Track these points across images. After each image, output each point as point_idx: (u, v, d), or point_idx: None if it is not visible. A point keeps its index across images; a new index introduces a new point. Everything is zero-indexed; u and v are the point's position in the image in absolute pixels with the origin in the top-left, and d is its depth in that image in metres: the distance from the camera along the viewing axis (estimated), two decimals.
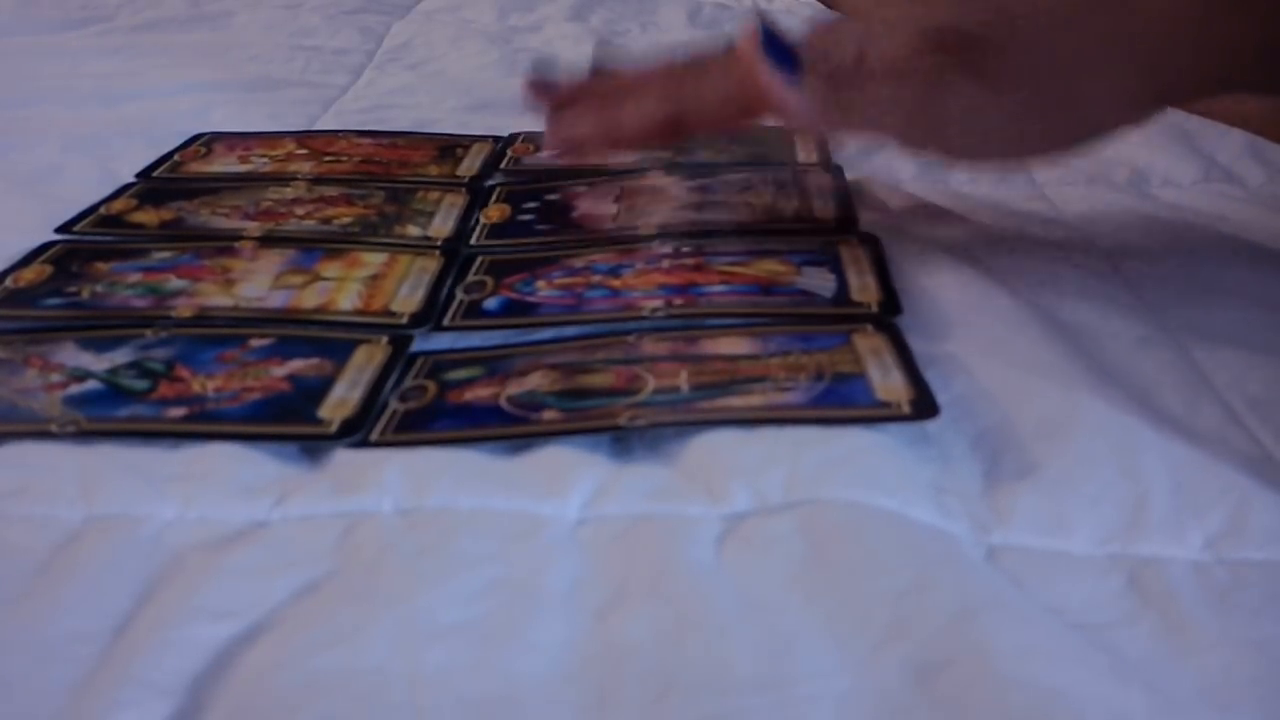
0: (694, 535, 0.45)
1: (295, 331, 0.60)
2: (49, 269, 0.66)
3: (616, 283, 0.64)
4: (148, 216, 0.74)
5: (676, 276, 0.64)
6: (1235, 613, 0.42)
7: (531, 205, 0.76)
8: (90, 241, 0.71)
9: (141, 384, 0.55)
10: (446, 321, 0.61)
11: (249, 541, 0.45)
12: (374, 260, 0.67)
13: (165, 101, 0.98)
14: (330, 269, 0.66)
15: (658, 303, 0.61)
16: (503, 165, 0.83)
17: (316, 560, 0.44)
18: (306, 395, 0.54)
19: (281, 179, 0.80)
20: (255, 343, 0.58)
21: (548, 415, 0.52)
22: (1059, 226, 0.73)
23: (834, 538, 0.43)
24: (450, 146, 0.87)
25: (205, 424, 0.52)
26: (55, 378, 0.55)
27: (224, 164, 0.83)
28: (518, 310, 0.62)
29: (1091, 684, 0.37)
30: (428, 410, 0.53)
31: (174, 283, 0.64)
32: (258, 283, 0.65)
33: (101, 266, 0.66)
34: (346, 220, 0.73)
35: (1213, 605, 0.42)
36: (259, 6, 1.31)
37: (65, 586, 0.42)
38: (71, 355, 0.57)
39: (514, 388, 0.54)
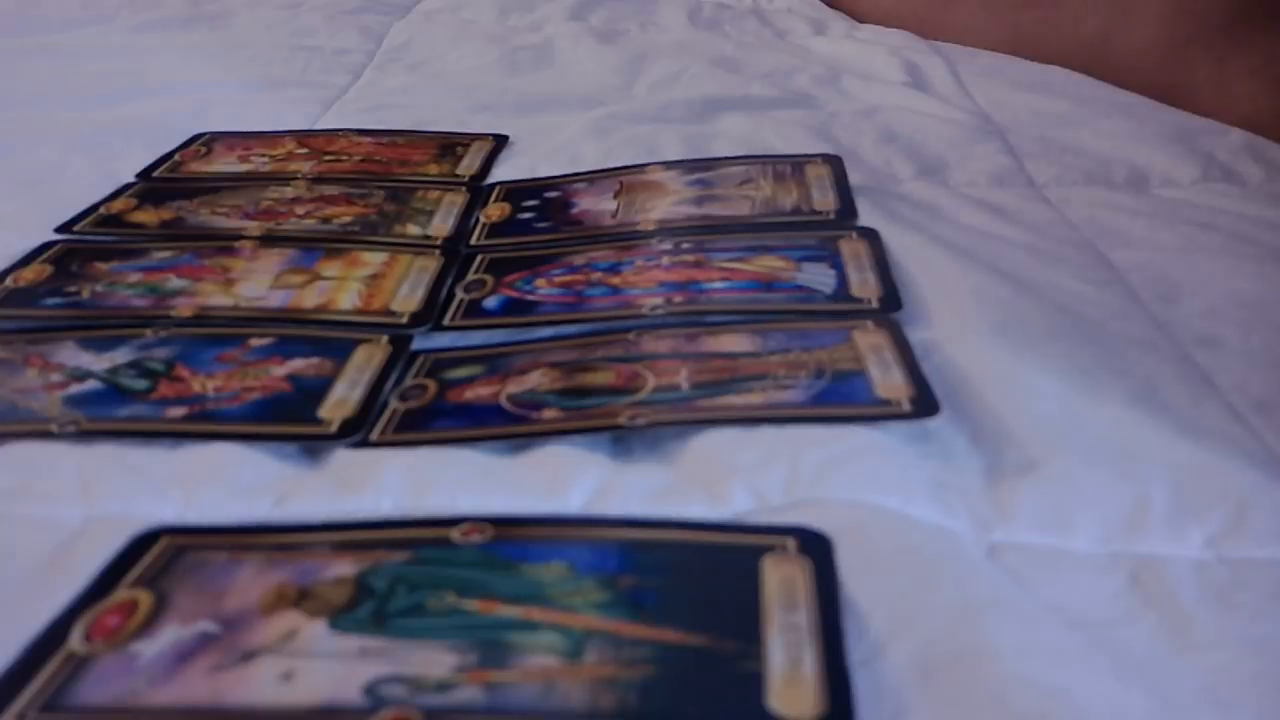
0: None
1: (295, 331, 0.59)
2: (49, 269, 0.66)
3: (616, 280, 0.64)
4: (148, 216, 0.74)
5: (676, 273, 0.64)
6: (1236, 611, 0.42)
7: (531, 203, 0.76)
8: (90, 241, 0.71)
9: (141, 384, 0.55)
10: (447, 320, 0.61)
11: None
12: (374, 259, 0.67)
13: (165, 101, 0.98)
14: (330, 268, 0.66)
15: (658, 300, 0.61)
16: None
17: None
18: (306, 395, 0.54)
19: (281, 178, 0.80)
20: (255, 342, 0.58)
21: (548, 414, 0.52)
22: (1059, 226, 0.73)
23: (834, 538, 0.43)
24: (450, 145, 0.87)
25: (205, 424, 0.52)
26: (55, 377, 0.55)
27: (224, 163, 0.83)
28: (518, 308, 0.62)
29: (1092, 682, 0.37)
30: (428, 409, 0.53)
31: (174, 282, 0.64)
32: (258, 282, 0.65)
33: (101, 266, 0.66)
34: (346, 219, 0.73)
35: (1213, 604, 0.42)
36: (259, 6, 1.30)
37: (65, 586, 0.42)
38: (71, 355, 0.57)
39: (514, 386, 0.54)
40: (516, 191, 0.78)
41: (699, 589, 0.40)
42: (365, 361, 0.56)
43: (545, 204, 0.76)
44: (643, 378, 0.54)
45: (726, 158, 0.82)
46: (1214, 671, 0.39)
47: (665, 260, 0.66)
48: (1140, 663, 0.39)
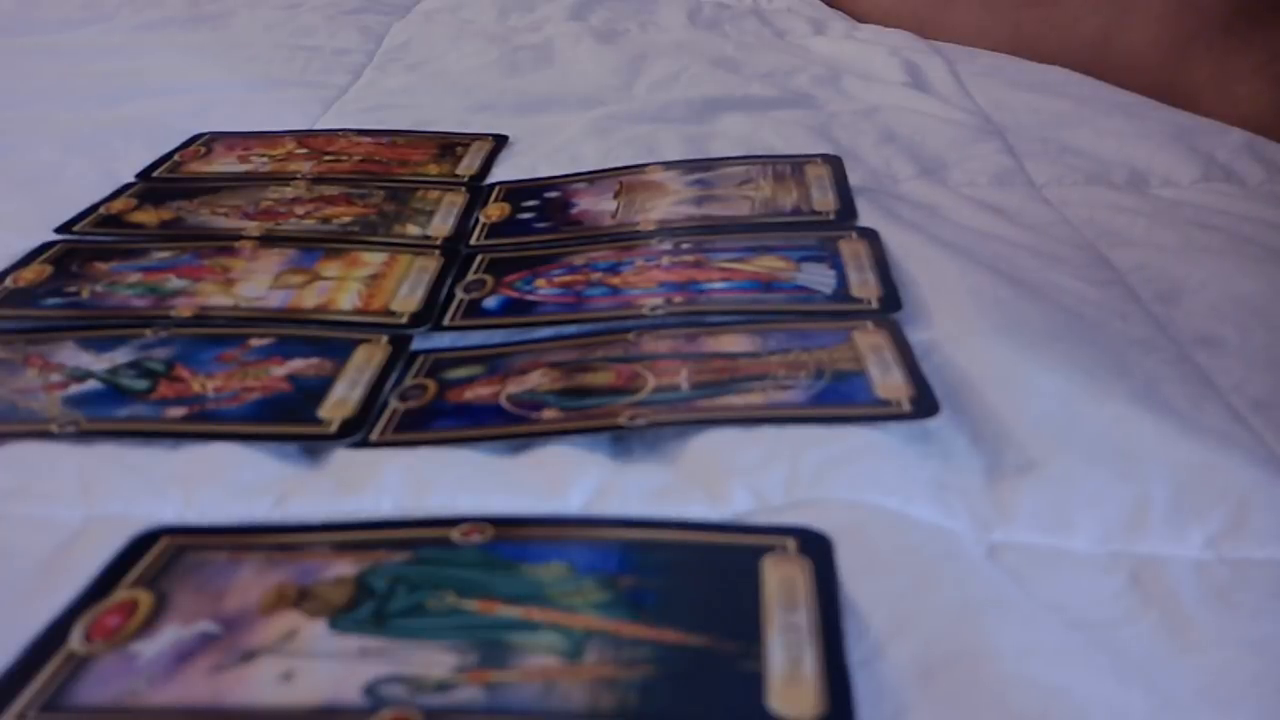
0: None
1: (295, 331, 0.59)
2: (49, 269, 0.66)
3: (616, 280, 0.64)
4: (147, 216, 0.74)
5: (676, 274, 0.64)
6: (1236, 611, 0.42)
7: (531, 203, 0.76)
8: (90, 241, 0.71)
9: (141, 384, 0.55)
10: (446, 320, 0.61)
11: None
12: (374, 259, 0.67)
13: (165, 101, 0.98)
14: (330, 268, 0.66)
15: (658, 300, 0.61)
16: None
17: None
18: (306, 395, 0.54)
19: (281, 178, 0.80)
20: (255, 342, 0.58)
21: (548, 414, 0.52)
22: (1059, 226, 0.73)
23: (834, 538, 0.43)
24: (450, 145, 0.87)
25: (205, 424, 0.52)
26: (55, 378, 0.55)
27: (224, 164, 0.83)
28: (518, 309, 0.62)
29: (1092, 683, 0.37)
30: (428, 409, 0.53)
31: (174, 282, 0.64)
32: (257, 282, 0.65)
33: (101, 266, 0.66)
34: (346, 220, 0.73)
35: (1214, 604, 0.42)
36: (259, 6, 1.31)
37: (65, 586, 0.42)
38: (71, 355, 0.57)
39: (514, 386, 0.54)
40: (516, 191, 0.78)
41: (699, 589, 0.40)
42: (365, 361, 0.56)
43: (545, 204, 0.76)
44: (643, 378, 0.54)
45: (726, 158, 0.82)
46: (1214, 671, 0.39)
47: (665, 260, 0.66)
48: (1140, 663, 0.39)
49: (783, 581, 0.40)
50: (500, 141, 0.88)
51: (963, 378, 0.54)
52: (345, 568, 0.42)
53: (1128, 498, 0.47)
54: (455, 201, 0.76)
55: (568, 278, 0.65)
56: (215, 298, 0.63)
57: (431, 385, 0.55)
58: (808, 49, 1.19)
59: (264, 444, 0.50)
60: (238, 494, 0.47)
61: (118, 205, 0.76)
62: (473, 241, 0.71)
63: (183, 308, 0.62)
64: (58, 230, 0.72)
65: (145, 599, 0.41)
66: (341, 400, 0.53)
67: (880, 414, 0.50)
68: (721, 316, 0.60)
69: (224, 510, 0.46)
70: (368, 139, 0.88)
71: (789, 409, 0.51)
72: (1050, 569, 0.44)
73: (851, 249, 0.66)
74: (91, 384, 0.55)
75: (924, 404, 0.50)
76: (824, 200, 0.73)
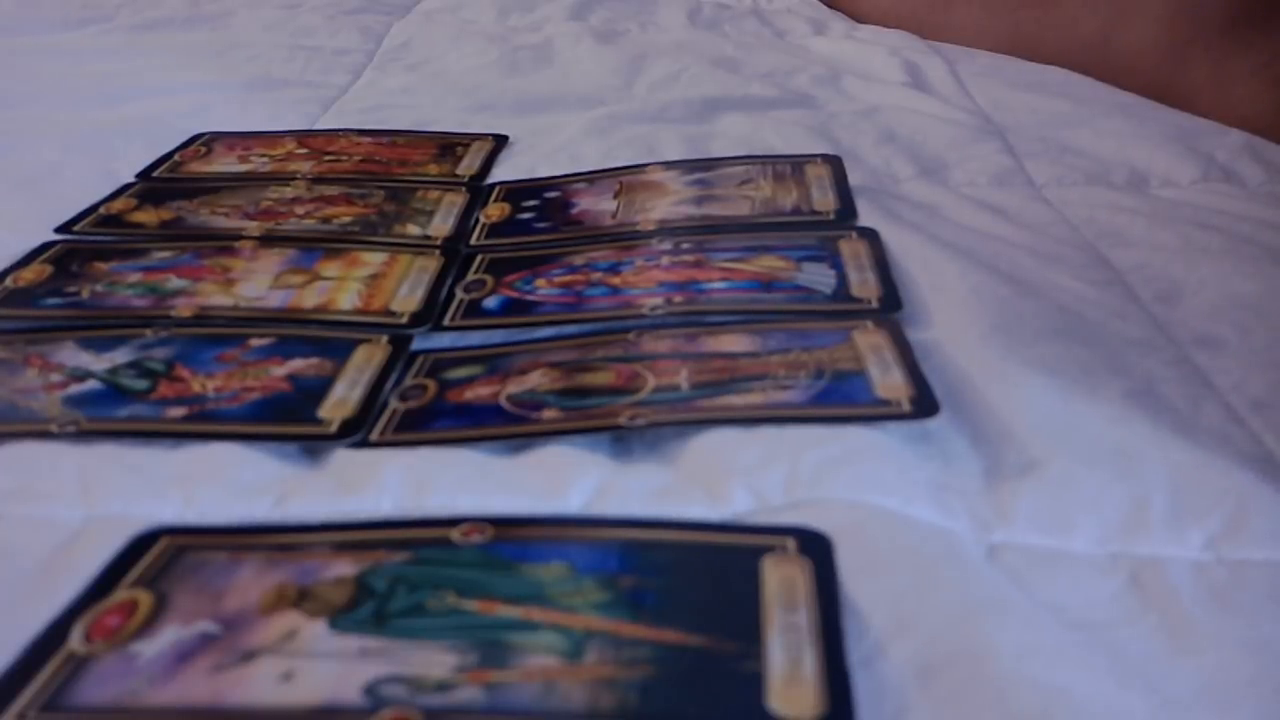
0: None
1: (295, 331, 0.59)
2: (49, 269, 0.66)
3: (616, 280, 0.64)
4: (147, 216, 0.74)
5: (676, 273, 0.64)
6: (1235, 612, 0.42)
7: (531, 203, 0.76)
8: (90, 241, 0.71)
9: (141, 384, 0.55)
10: (446, 320, 0.61)
11: None
12: (374, 259, 0.67)
13: (165, 101, 0.98)
14: (330, 268, 0.66)
15: (658, 300, 0.61)
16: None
17: None
18: (306, 395, 0.54)
19: (281, 178, 0.80)
20: (255, 342, 0.58)
21: (548, 414, 0.52)
22: (1059, 226, 0.73)
23: (834, 538, 0.43)
24: (450, 145, 0.87)
25: (205, 424, 0.52)
26: (55, 378, 0.55)
27: (224, 163, 0.83)
28: (518, 309, 0.62)
29: (1092, 683, 0.37)
30: (428, 409, 0.53)
31: (174, 282, 0.64)
32: (257, 282, 0.65)
33: (101, 266, 0.66)
34: (346, 220, 0.73)
35: (1213, 605, 0.42)
36: (259, 6, 1.30)
37: (65, 586, 0.42)
38: (71, 355, 0.57)
39: (514, 386, 0.54)
40: (516, 191, 0.78)
41: (699, 589, 0.40)
42: (365, 361, 0.56)
43: (545, 204, 0.76)
44: (643, 378, 0.54)
45: (726, 158, 0.82)
46: (1213, 672, 0.39)
47: (665, 260, 0.66)
48: (1140, 663, 0.39)
49: (783, 581, 0.40)
50: (500, 141, 0.88)
51: (963, 378, 0.54)
52: (345, 568, 0.42)
53: (1127, 498, 0.47)
54: (455, 201, 0.76)
55: (568, 278, 0.65)
56: (215, 298, 0.63)
57: (431, 385, 0.55)
58: (808, 49, 1.19)
59: (264, 444, 0.50)
60: (238, 494, 0.47)
61: (118, 205, 0.76)
62: (473, 241, 0.71)
63: (183, 308, 0.62)
64: (58, 230, 0.72)
65: (145, 599, 0.41)
66: (341, 400, 0.53)
67: (880, 414, 0.50)
68: (721, 316, 0.60)
69: (224, 510, 0.46)
70: (368, 139, 0.88)
71: (789, 409, 0.51)
72: (1050, 570, 0.44)
73: (851, 249, 0.66)
74: (91, 384, 0.55)
75: (924, 404, 0.50)
76: (824, 200, 0.73)
